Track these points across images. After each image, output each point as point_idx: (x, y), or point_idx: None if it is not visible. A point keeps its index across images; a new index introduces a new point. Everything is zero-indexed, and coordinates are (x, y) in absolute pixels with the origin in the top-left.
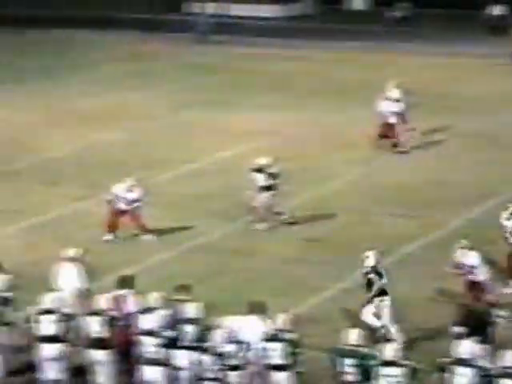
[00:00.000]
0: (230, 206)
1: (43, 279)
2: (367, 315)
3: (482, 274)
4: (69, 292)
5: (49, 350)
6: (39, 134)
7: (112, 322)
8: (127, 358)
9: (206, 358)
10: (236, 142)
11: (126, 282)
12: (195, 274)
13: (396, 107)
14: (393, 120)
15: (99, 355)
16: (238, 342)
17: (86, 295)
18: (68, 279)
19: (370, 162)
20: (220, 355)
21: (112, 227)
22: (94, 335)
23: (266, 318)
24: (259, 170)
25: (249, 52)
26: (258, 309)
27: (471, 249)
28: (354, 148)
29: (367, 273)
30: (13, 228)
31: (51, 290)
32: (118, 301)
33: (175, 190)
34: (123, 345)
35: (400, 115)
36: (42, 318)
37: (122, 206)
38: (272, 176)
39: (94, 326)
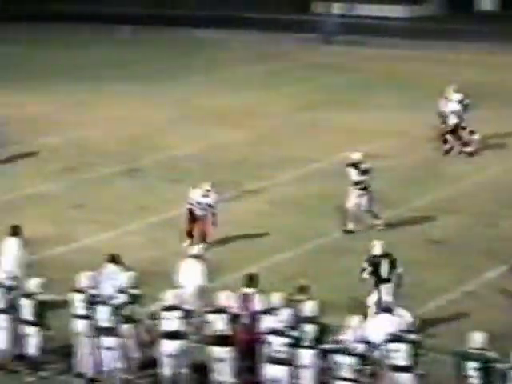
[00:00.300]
0: None
1: (166, 276)
2: (370, 303)
3: None
4: (190, 289)
5: (170, 346)
6: (166, 132)
7: (235, 319)
8: (249, 356)
9: (341, 358)
10: (363, 142)
11: (252, 281)
12: (314, 274)
13: (456, 107)
14: (455, 121)
15: (221, 352)
16: (367, 342)
17: (206, 292)
18: (190, 276)
19: (499, 164)
20: (353, 355)
21: (190, 233)
22: (217, 332)
23: (394, 319)
24: (354, 165)
25: (376, 52)
26: (385, 309)
27: None
28: (483, 149)
29: (369, 261)
30: (137, 224)
31: (174, 286)
32: (244, 299)
33: (299, 188)
34: (246, 343)
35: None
36: (165, 314)
37: (197, 211)
38: (364, 172)
39: (218, 324)
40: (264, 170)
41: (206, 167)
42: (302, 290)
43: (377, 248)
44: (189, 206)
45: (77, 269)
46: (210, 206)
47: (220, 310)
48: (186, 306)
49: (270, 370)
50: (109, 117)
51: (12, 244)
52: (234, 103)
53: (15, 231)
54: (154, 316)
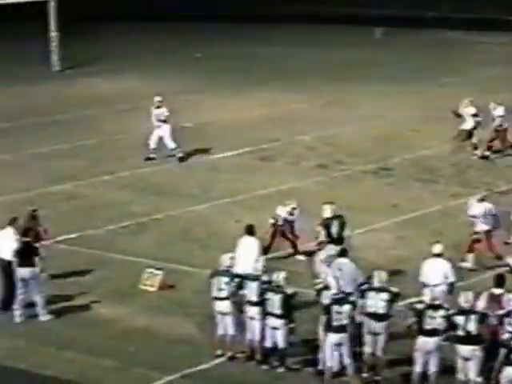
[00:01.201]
0: None
1: (411, 274)
2: (317, 263)
3: None
4: (441, 287)
5: (428, 343)
6: (418, 132)
7: (483, 319)
8: (494, 356)
9: None
10: None
11: (501, 281)
12: None
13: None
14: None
15: (469, 351)
16: None
17: (452, 291)
18: (439, 274)
19: None
20: None
21: (269, 247)
22: (466, 331)
23: None
24: None
25: None
26: None
27: None
28: None
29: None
30: (387, 222)
31: (425, 285)
32: (494, 299)
33: None
34: (492, 342)
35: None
36: (429, 312)
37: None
38: None
39: (467, 324)
40: None
41: (457, 167)
42: None
43: (327, 211)
44: (272, 221)
45: None
46: (290, 222)
47: (469, 311)
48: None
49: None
50: (360, 116)
51: (250, 243)
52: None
53: (250, 230)
54: (417, 313)
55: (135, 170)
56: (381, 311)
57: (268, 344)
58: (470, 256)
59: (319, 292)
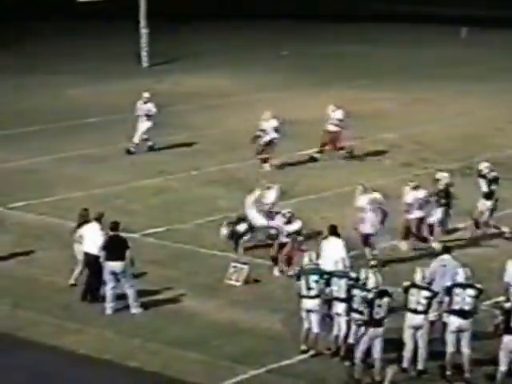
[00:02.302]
0: None
1: (498, 273)
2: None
3: None
4: None
5: None
6: (503, 132)
7: None
8: None
9: None
10: None
11: None
12: None
13: None
14: None
15: None
16: None
17: None
18: None
19: None
20: None
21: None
22: None
23: None
24: (482, 176)
25: None
26: None
27: None
28: None
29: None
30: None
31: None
32: None
33: None
34: None
35: None
36: None
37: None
38: (491, 182)
39: None
40: None
41: None
42: None
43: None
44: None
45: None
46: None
47: None
48: None
49: None
50: (446, 115)
51: (335, 243)
52: None
53: (334, 230)
54: (504, 312)
55: (222, 165)
56: (467, 308)
57: (352, 341)
58: None
59: (406, 290)
